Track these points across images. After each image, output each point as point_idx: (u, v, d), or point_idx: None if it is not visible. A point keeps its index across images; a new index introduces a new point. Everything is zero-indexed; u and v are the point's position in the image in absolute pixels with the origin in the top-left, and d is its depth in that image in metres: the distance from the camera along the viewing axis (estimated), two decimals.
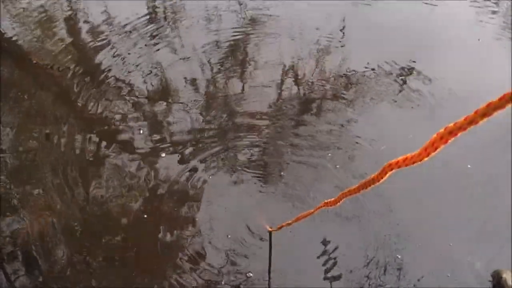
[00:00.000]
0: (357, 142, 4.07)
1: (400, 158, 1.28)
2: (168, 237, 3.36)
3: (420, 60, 4.97)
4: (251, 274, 3.16)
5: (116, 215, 3.47)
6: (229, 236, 3.38)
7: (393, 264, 3.20)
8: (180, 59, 4.93)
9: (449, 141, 1.10)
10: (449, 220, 3.43)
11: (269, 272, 3.15)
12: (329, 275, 3.15)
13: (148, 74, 4.73)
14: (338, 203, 1.92)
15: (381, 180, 1.42)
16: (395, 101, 4.54)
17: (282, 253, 3.25)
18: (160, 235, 3.36)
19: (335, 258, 3.21)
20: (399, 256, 3.23)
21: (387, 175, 1.37)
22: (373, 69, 4.89)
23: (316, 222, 3.40)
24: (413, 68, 4.91)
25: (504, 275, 3.01)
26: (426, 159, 1.18)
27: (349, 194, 1.77)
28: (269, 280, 3.12)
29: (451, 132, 1.08)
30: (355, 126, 4.25)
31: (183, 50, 5.06)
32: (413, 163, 1.22)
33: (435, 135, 1.13)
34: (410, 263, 3.19)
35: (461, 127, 1.05)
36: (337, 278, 3.13)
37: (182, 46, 5.12)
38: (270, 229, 3.19)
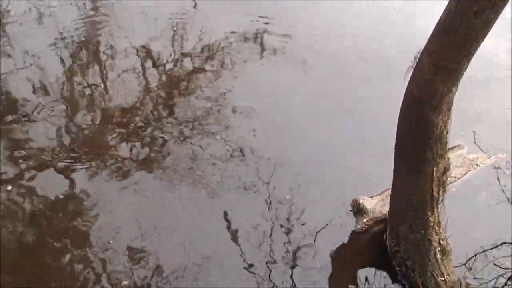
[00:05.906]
0: (236, 112, 4.09)
1: None
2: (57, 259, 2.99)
3: (272, 18, 5.17)
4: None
5: None
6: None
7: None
8: (22, 67, 4.34)
9: None
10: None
11: None
12: None
13: None
14: None
15: None
16: (262, 63, 4.66)
17: None
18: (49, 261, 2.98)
19: None
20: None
21: None
22: (232, 32, 4.92)
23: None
24: (266, 28, 5.08)
25: (361, 201, 3.30)
26: None
27: None
28: None
29: None
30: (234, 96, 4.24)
31: (24, 56, 4.47)
32: None
33: None
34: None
35: None
36: None
37: (21, 52, 4.51)
38: None
